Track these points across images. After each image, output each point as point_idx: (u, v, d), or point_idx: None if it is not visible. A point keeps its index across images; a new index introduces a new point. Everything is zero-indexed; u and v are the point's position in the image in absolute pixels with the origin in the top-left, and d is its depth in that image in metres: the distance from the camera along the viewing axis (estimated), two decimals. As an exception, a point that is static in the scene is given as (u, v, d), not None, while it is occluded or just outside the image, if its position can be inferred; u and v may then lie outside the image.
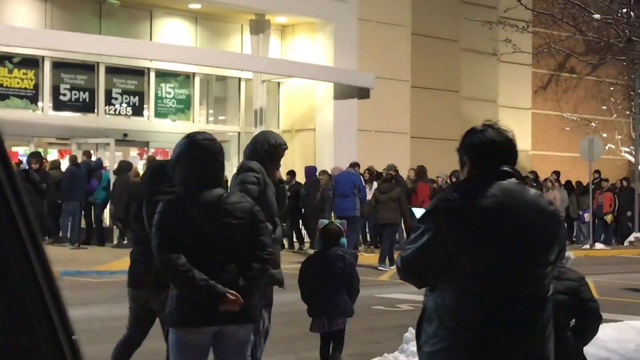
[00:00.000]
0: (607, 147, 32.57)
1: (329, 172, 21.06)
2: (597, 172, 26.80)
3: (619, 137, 34.63)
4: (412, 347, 7.64)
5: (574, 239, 26.13)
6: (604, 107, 34.14)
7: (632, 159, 31.50)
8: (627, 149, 34.48)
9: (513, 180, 3.75)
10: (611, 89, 33.46)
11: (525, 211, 3.71)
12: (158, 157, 24.35)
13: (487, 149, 3.80)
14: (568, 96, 33.72)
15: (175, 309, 4.96)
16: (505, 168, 3.77)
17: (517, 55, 27.12)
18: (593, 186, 25.48)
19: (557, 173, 26.13)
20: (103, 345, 9.24)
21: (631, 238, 26.35)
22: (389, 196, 18.18)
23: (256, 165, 7.07)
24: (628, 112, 33.51)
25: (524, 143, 32.90)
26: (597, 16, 11.47)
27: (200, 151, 5.05)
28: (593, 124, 33.96)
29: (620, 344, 8.02)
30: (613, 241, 26.43)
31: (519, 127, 32.69)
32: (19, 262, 1.39)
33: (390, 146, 25.97)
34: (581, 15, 12.20)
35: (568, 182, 27.00)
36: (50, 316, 1.41)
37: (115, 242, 19.94)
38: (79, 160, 20.08)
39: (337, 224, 8.63)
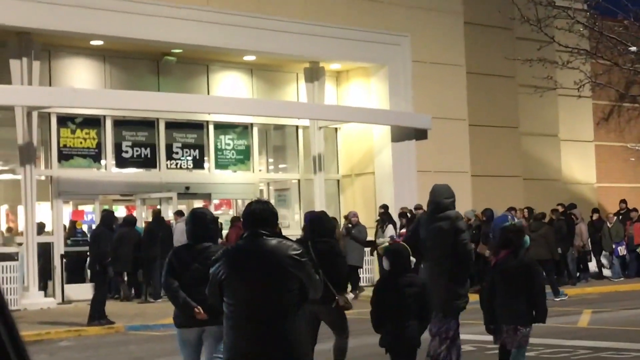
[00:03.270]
0: (674, 176, 31.96)
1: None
2: (623, 201, 25.94)
3: (686, 164, 33.93)
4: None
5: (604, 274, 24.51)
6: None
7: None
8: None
9: (265, 237, 5.74)
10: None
11: (263, 257, 5.69)
12: (223, 208, 24.69)
13: (248, 217, 5.90)
14: (631, 126, 33.25)
15: (176, 316, 7.84)
16: (261, 230, 5.77)
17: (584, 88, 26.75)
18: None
19: (573, 206, 24.63)
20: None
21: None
22: (539, 234, 20.57)
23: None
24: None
25: (588, 176, 32.50)
26: (633, 48, 11.40)
27: (196, 219, 7.96)
28: (658, 153, 33.36)
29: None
30: None
31: (582, 160, 32.35)
32: None
33: (451, 186, 25.76)
34: (616, 48, 12.15)
35: (595, 211, 25.42)
36: None
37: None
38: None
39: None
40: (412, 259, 8.16)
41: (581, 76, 13.31)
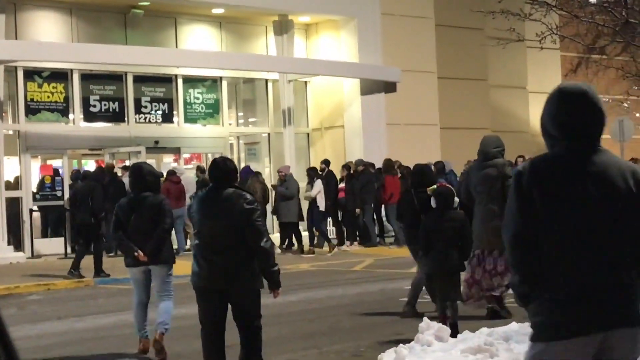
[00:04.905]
0: (640, 127, 32.31)
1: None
2: None
3: (653, 116, 34.30)
4: (427, 336, 7.78)
5: None
6: (635, 87, 33.82)
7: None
8: (662, 128, 34.12)
9: (225, 188, 7.14)
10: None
11: (221, 203, 7.06)
12: (194, 162, 24.68)
13: (213, 171, 7.30)
14: (599, 78, 33.42)
15: (125, 258, 9.20)
16: (222, 182, 7.16)
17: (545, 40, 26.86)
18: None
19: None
20: (133, 350, 9.51)
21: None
22: None
23: None
24: (660, 91, 33.16)
25: (556, 128, 32.74)
26: (593, 0, 11.49)
27: (134, 172, 9.26)
28: (625, 105, 33.68)
29: None
30: None
31: (550, 111, 32.55)
32: None
33: (420, 138, 26.05)
34: (576, 0, 12.25)
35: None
36: None
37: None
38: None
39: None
40: (457, 200, 9.87)
41: (543, 28, 13.39)
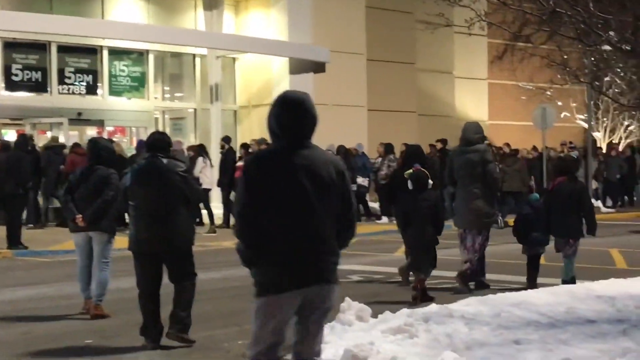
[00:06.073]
0: (562, 115, 32.92)
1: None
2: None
3: (574, 104, 34.96)
4: (349, 315, 7.81)
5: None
6: (559, 76, 34.37)
7: (586, 126, 31.79)
8: (582, 117, 34.80)
9: (160, 158, 8.01)
10: (565, 57, 33.63)
11: (157, 171, 7.92)
12: (117, 136, 24.31)
13: (149, 144, 8.21)
14: (524, 65, 33.94)
15: (68, 224, 9.83)
16: (157, 153, 8.02)
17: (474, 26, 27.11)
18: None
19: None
20: (49, 323, 9.37)
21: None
22: (513, 168, 21.92)
23: None
24: (582, 80, 33.76)
25: (480, 113, 33.18)
26: (521, -13, 11.74)
27: (89, 146, 9.98)
28: (548, 93, 34.22)
29: (551, 307, 8.22)
30: None
31: (476, 97, 32.98)
32: None
33: (347, 120, 26.10)
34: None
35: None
36: None
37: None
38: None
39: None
40: (430, 182, 10.71)
41: (472, 14, 13.54)
